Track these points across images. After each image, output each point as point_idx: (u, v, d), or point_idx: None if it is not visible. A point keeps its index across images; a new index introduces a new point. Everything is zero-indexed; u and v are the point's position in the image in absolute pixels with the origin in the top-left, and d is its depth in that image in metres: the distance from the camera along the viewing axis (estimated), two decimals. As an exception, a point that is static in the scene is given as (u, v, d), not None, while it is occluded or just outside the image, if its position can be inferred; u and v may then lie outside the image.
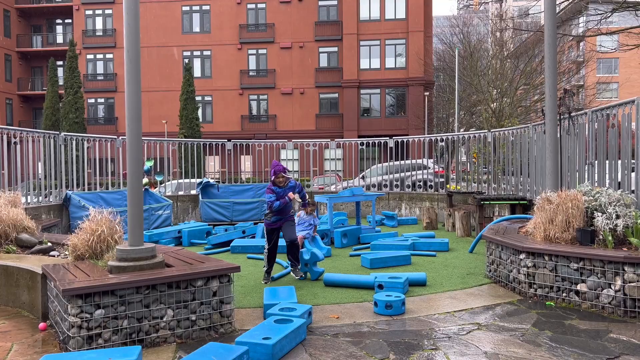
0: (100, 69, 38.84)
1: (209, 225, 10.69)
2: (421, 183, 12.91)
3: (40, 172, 10.06)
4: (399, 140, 13.38)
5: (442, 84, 39.70)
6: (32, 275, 5.01)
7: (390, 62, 35.88)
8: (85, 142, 11.06)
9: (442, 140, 13.01)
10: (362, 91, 36.09)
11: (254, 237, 9.49)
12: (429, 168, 14.01)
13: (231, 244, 8.61)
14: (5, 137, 8.65)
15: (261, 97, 37.79)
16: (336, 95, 36.90)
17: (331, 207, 9.09)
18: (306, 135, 32.15)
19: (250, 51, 37.50)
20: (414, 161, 14.05)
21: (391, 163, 13.48)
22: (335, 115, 36.93)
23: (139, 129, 4.64)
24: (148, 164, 12.28)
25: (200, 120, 32.52)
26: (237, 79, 37.51)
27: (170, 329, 4.16)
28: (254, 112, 38.19)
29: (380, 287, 5.46)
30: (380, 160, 19.94)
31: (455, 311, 4.83)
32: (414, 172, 13.47)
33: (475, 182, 12.09)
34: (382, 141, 13.52)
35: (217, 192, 12.97)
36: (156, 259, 4.55)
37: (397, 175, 13.35)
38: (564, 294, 4.87)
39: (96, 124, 37.77)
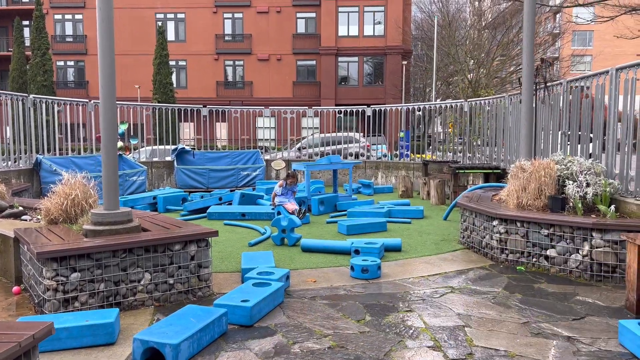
0: (69, 30, 37.43)
1: (184, 192, 10.60)
2: (353, 156, 13.98)
3: (8, 136, 9.74)
4: (377, 109, 13.37)
5: (419, 54, 39.64)
6: (3, 239, 4.92)
7: (368, 30, 35.54)
8: (56, 106, 10.73)
9: (419, 109, 13.06)
10: (340, 59, 35.76)
11: (230, 204, 9.47)
12: (359, 142, 14.66)
13: (208, 211, 8.58)
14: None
15: (237, 62, 37.12)
16: (314, 62, 36.50)
17: (308, 175, 9.11)
18: (283, 103, 31.83)
19: (225, 15, 36.60)
20: (345, 134, 14.55)
21: (328, 135, 13.95)
22: (313, 83, 36.60)
23: (112, 90, 4.53)
24: (122, 128, 12.03)
25: (174, 85, 31.82)
26: (212, 43, 36.67)
27: (148, 292, 4.16)
28: (230, 78, 37.55)
29: (357, 252, 5.55)
30: (359, 130, 19.94)
31: (429, 275, 4.96)
32: (346, 145, 13.93)
33: (450, 152, 12.23)
34: (360, 110, 13.49)
35: (192, 159, 12.83)
36: (132, 223, 4.51)
37: (333, 147, 13.86)
38: (534, 259, 5.03)
39: (66, 88, 36.63)
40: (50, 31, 34.23)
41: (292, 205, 7.77)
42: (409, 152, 14.01)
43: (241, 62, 36.98)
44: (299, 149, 15.26)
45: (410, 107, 13.42)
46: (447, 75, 32.57)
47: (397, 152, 13.70)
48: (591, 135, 5.99)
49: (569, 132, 6.66)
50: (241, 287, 4.13)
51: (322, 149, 14.38)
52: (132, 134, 12.48)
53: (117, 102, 12.06)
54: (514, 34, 30.92)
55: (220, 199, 9.60)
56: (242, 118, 14.19)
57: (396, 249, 5.91)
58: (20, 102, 9.56)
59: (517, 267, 5.11)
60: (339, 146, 14.21)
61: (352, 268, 4.91)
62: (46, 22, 31.90)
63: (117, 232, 4.34)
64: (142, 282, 4.12)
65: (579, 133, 6.23)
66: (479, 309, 3.96)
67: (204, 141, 17.49)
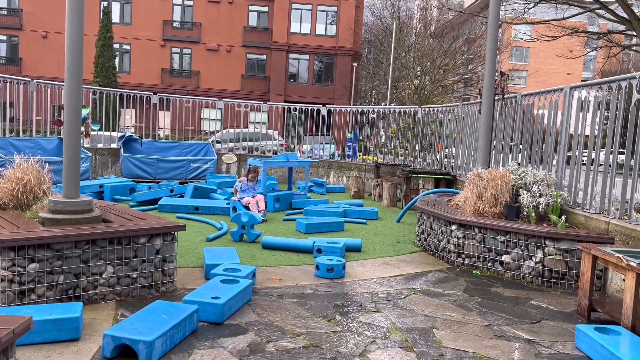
0: (2, 2, 34.97)
1: (132, 181, 10.21)
2: (271, 153, 14.03)
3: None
4: (331, 109, 13.47)
5: (367, 57, 40.28)
6: (-56, 225, 4.54)
7: (320, 29, 35.68)
8: (-6, 82, 10.01)
9: (373, 112, 13.28)
10: (290, 55, 35.68)
11: (182, 197, 9.22)
12: (276, 139, 15.04)
13: (159, 203, 8.31)
14: None
15: (185, 50, 36.14)
16: (264, 57, 36.19)
17: (265, 171, 9.03)
18: (230, 96, 31.27)
19: (175, 1, 35.52)
20: (263, 131, 14.83)
21: (244, 130, 14.13)
22: (262, 77, 36.29)
23: (79, 71, 4.30)
24: (84, 112, 11.40)
25: (117, 70, 30.49)
26: (160, 29, 35.50)
27: (110, 286, 3.99)
28: (176, 66, 36.50)
29: (319, 251, 5.58)
30: (305, 128, 19.99)
31: (391, 276, 5.07)
32: (263, 142, 14.17)
33: (401, 155, 12.54)
34: (316, 108, 13.53)
35: (140, 148, 12.36)
36: (93, 213, 4.31)
37: (250, 144, 14.05)
38: (489, 264, 5.27)
39: (-5, 63, 34.23)
40: (-19, 1, 31.87)
41: (261, 202, 7.72)
42: (356, 153, 14.27)
43: (189, 51, 36.03)
44: (213, 142, 14.93)
45: (365, 109, 13.62)
46: (394, 80, 33.30)
47: (350, 152, 13.87)
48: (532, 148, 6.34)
49: (521, 144, 7.02)
50: (209, 284, 4.05)
51: (237, 144, 14.30)
52: (96, 119, 11.86)
53: (57, 83, 11.49)
54: (460, 43, 32.11)
55: (171, 190, 9.33)
56: (188, 108, 13.84)
57: (356, 249, 6.00)
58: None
59: (473, 271, 5.33)
60: (256, 143, 14.26)
61: (317, 267, 4.93)
62: (-23, -10, 29.65)
63: (77, 221, 4.13)
64: (104, 276, 3.95)
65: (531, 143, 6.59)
66: (443, 311, 4.10)
67: (146, 129, 16.91)
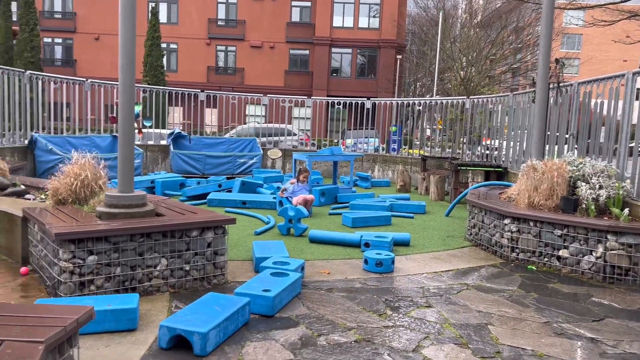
0: (58, 6, 36.57)
1: (182, 176, 10.47)
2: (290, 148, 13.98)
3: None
4: (375, 103, 13.33)
5: (411, 49, 39.68)
6: (10, 218, 4.78)
7: (363, 22, 35.41)
8: (52, 83, 10.46)
9: (419, 104, 13.05)
10: (333, 50, 35.60)
11: (230, 191, 9.36)
12: (295, 134, 14.90)
13: (208, 197, 8.47)
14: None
15: (229, 48, 36.71)
16: (307, 52, 36.27)
17: (310, 165, 9.04)
18: (274, 92, 31.46)
19: (219, -1, 36.11)
20: (282, 126, 14.72)
21: (263, 125, 14.08)
22: (305, 72, 36.39)
23: (132, 71, 4.40)
24: (137, 109, 11.79)
25: (165, 68, 31.32)
26: (205, 27, 36.18)
27: (164, 278, 4.08)
28: (221, 63, 37.13)
29: (367, 245, 5.53)
30: (349, 122, 19.87)
31: (442, 271, 4.96)
32: (282, 137, 14.04)
33: (448, 148, 12.28)
34: (360, 102, 13.43)
35: (188, 144, 12.66)
36: (147, 207, 4.41)
37: (269, 139, 14.01)
38: (546, 259, 5.07)
39: (52, 66, 35.80)
40: (38, 6, 33.39)
41: (309, 196, 7.70)
42: (399, 146, 14.10)
43: (233, 48, 36.57)
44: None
45: (411, 102, 13.40)
46: (439, 71, 32.67)
47: (394, 146, 13.71)
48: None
49: (577, 134, 6.71)
50: (260, 277, 4.08)
51: (257, 139, 14.39)
52: (147, 115, 12.24)
53: (109, 83, 11.89)
54: (507, 33, 31.11)
55: (220, 185, 9.50)
56: (233, 104, 14.03)
57: (405, 243, 5.90)
58: (16, 78, 9.29)
59: (528, 267, 5.13)
60: (274, 138, 14.26)
61: (365, 261, 4.88)
62: (35, -4, 31.08)
63: (132, 215, 4.25)
64: (158, 268, 4.04)
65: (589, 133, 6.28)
66: (498, 307, 3.97)
67: (194, 126, 17.29)
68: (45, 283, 4.06)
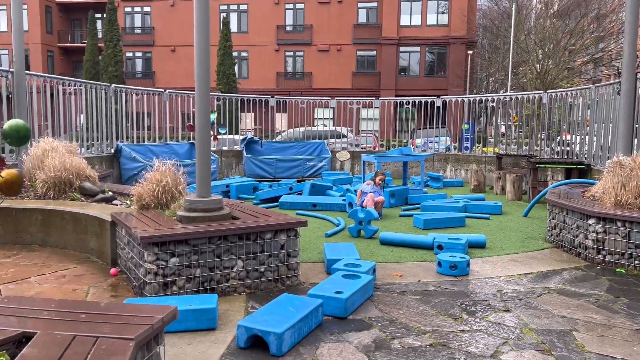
0: (138, 22, 38.87)
1: (255, 180, 10.77)
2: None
3: (81, 122, 10.11)
4: (446, 100, 13.02)
5: (482, 44, 38.39)
6: (100, 223, 5.15)
7: (431, 19, 34.71)
8: (134, 95, 11.14)
9: (492, 100, 12.59)
10: (401, 49, 35.18)
11: (300, 194, 9.52)
12: (345, 136, 14.54)
13: (279, 200, 8.66)
14: (61, 87, 8.78)
15: (297, 53, 37.31)
16: (374, 52, 36.11)
17: (379, 167, 8.99)
18: (342, 94, 31.73)
19: (287, 5, 36.80)
20: (332, 129, 14.40)
21: (309, 128, 13.88)
22: (372, 73, 36.24)
23: (207, 81, 4.60)
24: (212, 117, 12.34)
25: (236, 76, 32.40)
26: (274, 34, 37.01)
27: (240, 279, 4.22)
28: (290, 69, 37.80)
29: (440, 247, 5.42)
30: (418, 122, 19.56)
31: (520, 274, 4.76)
32: (332, 140, 13.71)
33: (524, 145, 11.75)
34: (430, 100, 13.18)
35: (260, 149, 13.01)
36: (223, 211, 4.59)
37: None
38: (637, 262, 4.72)
39: (133, 78, 38.09)
40: (120, 23, 35.69)
41: (379, 198, 7.61)
42: (472, 145, 13.66)
43: (301, 53, 37.13)
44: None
45: (484, 98, 12.96)
46: (513, 65, 31.31)
47: (467, 144, 13.32)
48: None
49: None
50: (331, 278, 4.11)
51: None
52: (222, 123, 12.78)
53: (184, 92, 12.48)
54: (587, 21, 29.27)
55: (290, 188, 9.68)
56: (303, 108, 14.23)
57: (480, 245, 5.72)
58: (103, 92, 9.99)
59: (616, 270, 4.81)
60: (327, 140, 14.13)
61: (439, 264, 4.79)
62: (117, 14, 33.27)
63: (210, 219, 4.43)
64: (234, 269, 4.19)
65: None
66: (584, 313, 3.75)
67: (264, 131, 17.73)
68: (132, 283, 4.33)
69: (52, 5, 40.42)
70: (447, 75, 34.49)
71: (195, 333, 3.36)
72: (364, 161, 9.64)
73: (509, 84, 27.83)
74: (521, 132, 12.33)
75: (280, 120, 26.16)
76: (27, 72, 7.32)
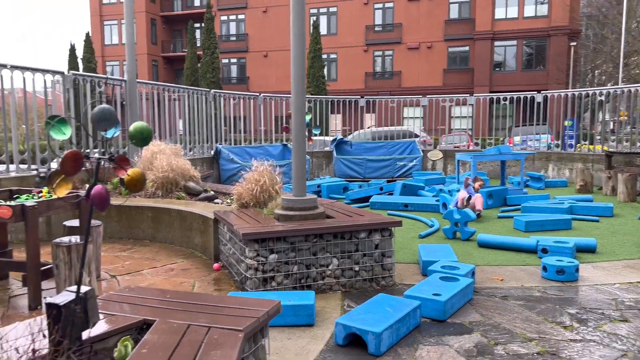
0: (233, 29, 40.70)
1: (345, 180, 10.84)
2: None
3: (180, 128, 10.74)
4: (547, 96, 12.25)
5: (587, 34, 35.68)
6: (204, 220, 5.45)
7: (529, 10, 32.87)
8: (232, 99, 11.68)
9: (600, 94, 11.65)
10: (496, 43, 33.67)
11: (391, 194, 9.43)
12: (417, 136, 13.71)
13: (370, 200, 8.63)
14: (167, 94, 9.42)
15: (386, 52, 37.02)
16: (466, 48, 34.89)
17: (475, 166, 8.66)
18: (432, 92, 30.88)
19: (376, 5, 36.66)
20: (404, 128, 13.60)
21: (379, 128, 13.18)
22: (465, 70, 35.04)
23: (302, 83, 4.70)
24: (306, 118, 12.66)
25: (326, 78, 32.81)
26: (363, 35, 37.02)
27: (335, 278, 4.27)
28: (378, 68, 37.60)
29: (544, 251, 5.10)
30: (516, 119, 18.56)
31: (638, 282, 4.35)
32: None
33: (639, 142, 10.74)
34: (529, 96, 12.47)
35: (350, 149, 13.07)
36: (318, 210, 4.67)
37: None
38: None
39: (229, 83, 39.94)
40: (217, 31, 37.60)
41: (478, 202, 7.34)
42: (576, 142, 12.73)
43: (390, 52, 36.81)
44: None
45: (590, 92, 12.02)
46: (624, 56, 28.72)
47: (572, 142, 12.44)
48: None
49: None
50: (428, 280, 4.03)
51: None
52: (315, 124, 13.10)
53: (278, 96, 12.86)
54: None
55: (381, 188, 9.62)
56: (392, 108, 14.05)
57: (590, 249, 5.31)
58: (204, 97, 10.58)
59: None
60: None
61: (544, 268, 4.51)
62: (214, 23, 35.07)
63: (306, 217, 4.53)
64: (330, 267, 4.24)
65: None
66: None
67: (353, 131, 17.76)
68: (233, 278, 4.54)
69: (157, 17, 43.54)
70: (546, 69, 32.47)
71: (294, 328, 3.44)
72: (458, 160, 9.34)
73: (620, 75, 25.59)
74: (634, 128, 11.27)
75: (370, 121, 26.13)
76: (137, 80, 7.93)
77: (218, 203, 6.30)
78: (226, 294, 3.89)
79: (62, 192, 1.72)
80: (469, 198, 7.42)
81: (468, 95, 13.57)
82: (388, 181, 11.27)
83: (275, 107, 12.72)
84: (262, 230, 4.07)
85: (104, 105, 1.69)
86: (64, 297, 1.75)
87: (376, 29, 36.88)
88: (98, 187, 1.70)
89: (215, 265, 4.97)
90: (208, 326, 2.15)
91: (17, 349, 1.64)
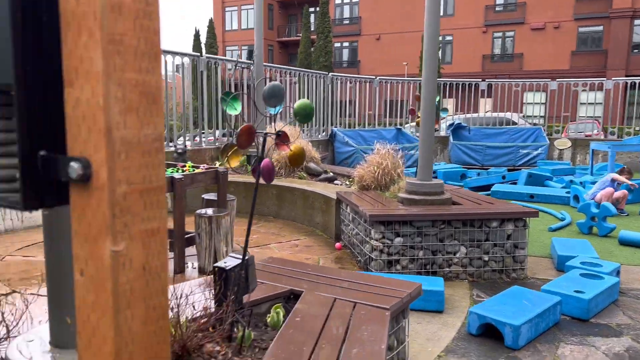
0: (347, 13, 40.79)
1: (463, 167, 10.47)
2: None
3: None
4: None
5: None
6: (326, 200, 5.57)
7: (682, -18, 28.95)
8: (348, 83, 11.74)
9: None
10: (636, 22, 30.19)
11: (515, 184, 8.92)
12: (516, 123, 12.12)
13: (492, 189, 8.24)
14: (288, 77, 9.71)
15: (507, 34, 34.83)
16: (600, 28, 31.69)
17: (613, 157, 7.90)
18: (557, 75, 28.64)
19: (498, -17, 34.58)
20: (500, 115, 11.91)
21: (468, 115, 11.94)
22: (596, 52, 31.89)
23: (435, 66, 4.57)
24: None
25: (440, 61, 31.73)
26: (482, 15, 35.15)
27: (462, 266, 4.14)
28: (497, 51, 35.54)
29: None
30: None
31: None
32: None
33: None
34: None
35: (468, 135, 12.56)
36: (444, 196, 4.55)
37: None
38: None
39: (340, 67, 40.23)
40: (331, 15, 37.92)
41: (622, 200, 6.65)
42: None
43: (512, 33, 34.56)
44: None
45: None
46: None
47: None
48: None
49: None
50: (568, 276, 3.75)
51: None
52: (442, 107, 12.84)
53: (394, 79, 12.66)
54: None
55: (503, 177, 9.16)
56: (510, 93, 13.18)
57: None
58: (322, 80, 10.75)
59: None
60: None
61: None
62: (329, 7, 35.41)
63: (431, 202, 4.44)
64: (457, 255, 4.13)
65: None
66: None
67: (466, 117, 16.97)
68: (356, 258, 4.59)
69: (274, 3, 44.94)
70: (698, 49, 28.50)
71: (423, 313, 3.40)
72: (592, 149, 8.57)
73: None
74: None
75: (485, 105, 24.87)
76: (264, 64, 8.26)
77: (337, 184, 6.40)
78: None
79: (234, 163, 1.83)
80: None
81: (604, 79, 12.34)
82: (509, 170, 10.67)
83: (391, 91, 12.56)
84: (388, 212, 4.06)
85: (275, 82, 1.76)
86: (231, 262, 1.87)
87: (497, 8, 34.79)
88: (266, 161, 1.78)
89: (337, 244, 5.06)
90: (354, 302, 2.19)
91: (193, 305, 1.79)
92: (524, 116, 14.22)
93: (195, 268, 4.11)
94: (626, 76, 28.48)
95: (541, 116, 24.67)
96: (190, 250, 4.21)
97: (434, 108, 4.59)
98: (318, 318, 2.01)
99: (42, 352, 1.27)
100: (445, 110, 10.88)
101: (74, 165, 0.66)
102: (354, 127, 12.26)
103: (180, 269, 4.04)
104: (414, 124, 13.96)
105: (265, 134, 1.84)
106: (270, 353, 1.72)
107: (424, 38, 4.56)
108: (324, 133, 11.08)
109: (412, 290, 2.34)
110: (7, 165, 0.71)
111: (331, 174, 6.86)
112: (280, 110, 1.88)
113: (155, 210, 0.72)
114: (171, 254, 4.05)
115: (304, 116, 1.82)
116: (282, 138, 1.86)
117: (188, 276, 3.95)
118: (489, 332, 3.04)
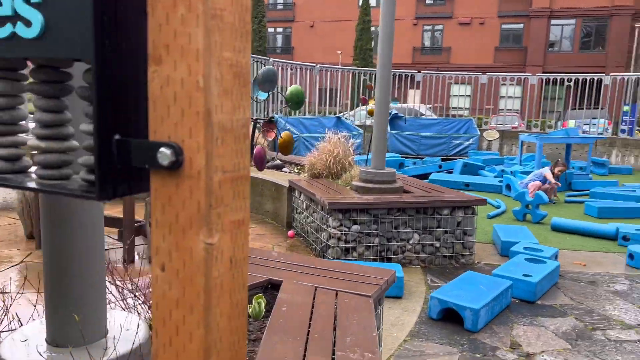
0: (280, -1, 40.33)
1: (401, 156, 10.74)
2: None
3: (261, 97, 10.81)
4: (617, 78, 11.71)
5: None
6: (277, 188, 5.51)
7: (592, -12, 31.23)
8: (289, 69, 11.65)
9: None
10: (552, 22, 32.25)
11: (451, 172, 9.29)
12: (423, 115, 13.18)
13: (429, 178, 8.53)
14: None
15: (436, 27, 36.02)
16: (521, 26, 33.56)
17: (540, 148, 8.42)
18: (481, 70, 30.05)
19: (428, -22, 35.57)
20: (409, 106, 13.09)
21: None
22: (517, 48, 33.77)
23: (389, 57, 4.63)
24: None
25: (373, 52, 32.28)
26: (413, 7, 36.07)
27: (415, 252, 4.26)
28: (427, 43, 36.69)
29: (626, 238, 4.95)
30: (566, 103, 17.90)
31: None
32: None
33: None
34: (588, 78, 11.94)
35: (404, 125, 12.89)
36: (397, 184, 4.64)
37: None
38: None
39: (274, 53, 39.79)
40: (265, 0, 37.34)
41: (550, 192, 7.05)
42: (634, 128, 12.20)
43: (440, 27, 35.78)
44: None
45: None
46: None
47: (625, 127, 11.94)
48: None
49: None
50: (514, 261, 3.97)
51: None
52: (394, 97, 12.98)
53: (333, 67, 12.73)
54: None
55: (440, 166, 9.50)
56: (437, 85, 13.71)
57: (673, 240, 5.12)
58: (262, 65, 10.58)
59: None
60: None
61: (630, 256, 4.38)
62: (262, -9, 34.83)
63: (385, 190, 4.52)
64: (410, 242, 4.24)
65: None
66: None
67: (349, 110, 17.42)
68: (310, 246, 4.59)
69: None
70: (605, 50, 30.98)
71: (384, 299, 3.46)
72: (522, 141, 9.09)
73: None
74: None
75: (414, 97, 25.63)
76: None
77: (286, 172, 6.36)
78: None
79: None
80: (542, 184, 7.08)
81: (529, 74, 13.11)
82: (443, 159, 11.10)
83: (331, 79, 12.61)
84: (347, 200, 4.09)
85: (269, 67, 1.69)
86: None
87: (427, 2, 35.85)
88: (258, 148, 1.72)
89: (290, 232, 5.03)
90: (335, 290, 2.19)
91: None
92: (430, 107, 14.76)
93: (145, 258, 3.93)
94: (543, 72, 30.47)
95: (466, 108, 25.73)
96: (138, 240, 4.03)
97: (388, 98, 4.65)
98: (303, 307, 1.98)
99: (36, 351, 1.16)
100: (396, 100, 11.11)
101: (166, 151, 0.59)
102: (298, 115, 12.21)
103: (130, 259, 3.86)
104: (352, 112, 14.17)
105: (255, 119, 1.78)
106: (265, 345, 1.68)
107: (380, 25, 4.61)
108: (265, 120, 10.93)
109: (389, 277, 2.37)
110: (81, 152, 0.63)
111: (279, 161, 6.80)
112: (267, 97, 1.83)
113: (242, 200, 0.67)
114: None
115: (296, 103, 1.77)
116: (270, 125, 1.80)
117: (138, 267, 3.77)
118: (448, 316, 3.15)
